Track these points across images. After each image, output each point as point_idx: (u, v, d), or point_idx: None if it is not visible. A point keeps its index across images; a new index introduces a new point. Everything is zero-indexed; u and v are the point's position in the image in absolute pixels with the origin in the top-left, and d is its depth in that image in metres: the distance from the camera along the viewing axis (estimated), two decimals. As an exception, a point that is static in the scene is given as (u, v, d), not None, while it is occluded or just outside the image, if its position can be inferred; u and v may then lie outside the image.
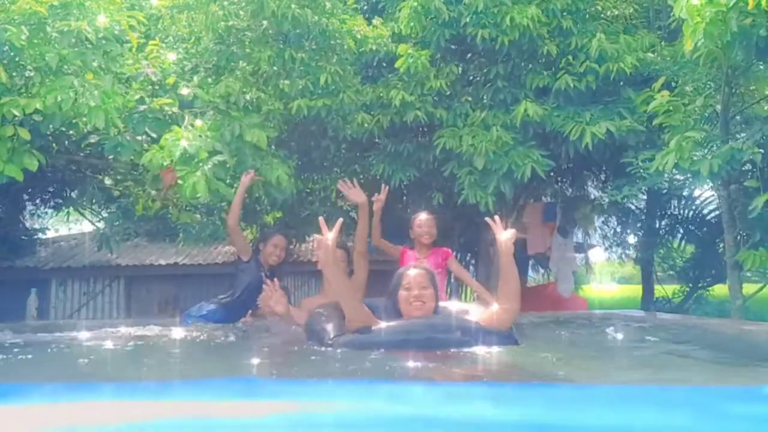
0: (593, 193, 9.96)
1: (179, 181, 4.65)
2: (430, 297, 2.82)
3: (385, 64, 6.84)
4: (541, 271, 13.16)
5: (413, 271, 2.90)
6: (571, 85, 6.08)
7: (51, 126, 4.56)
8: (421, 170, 6.83)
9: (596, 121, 5.96)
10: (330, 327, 2.76)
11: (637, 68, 6.09)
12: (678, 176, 7.53)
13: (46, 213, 9.62)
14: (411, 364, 2.36)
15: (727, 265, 5.65)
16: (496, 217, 3.15)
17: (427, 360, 2.39)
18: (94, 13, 4.63)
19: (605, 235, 13.18)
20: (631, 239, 12.29)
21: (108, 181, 7.13)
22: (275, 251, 4.43)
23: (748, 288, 6.03)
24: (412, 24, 6.44)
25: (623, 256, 13.18)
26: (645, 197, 10.21)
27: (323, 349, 2.63)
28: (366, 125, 6.31)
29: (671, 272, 12.21)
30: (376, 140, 6.83)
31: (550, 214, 9.43)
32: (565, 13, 6.42)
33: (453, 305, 3.15)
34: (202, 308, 4.48)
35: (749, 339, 3.20)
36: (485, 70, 6.68)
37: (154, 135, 5.02)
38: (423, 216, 4.55)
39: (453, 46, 6.76)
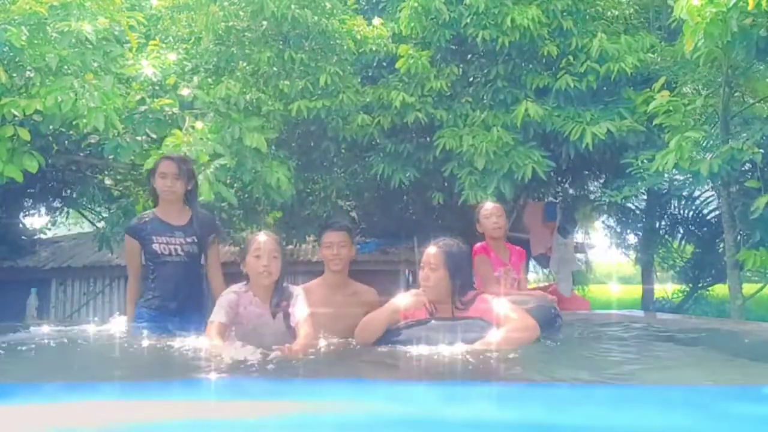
0: (593, 193, 9.96)
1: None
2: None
3: (385, 65, 6.84)
4: (542, 271, 13.16)
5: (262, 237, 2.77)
6: (572, 86, 6.08)
7: (51, 126, 4.56)
8: (421, 170, 6.83)
9: (596, 122, 5.96)
10: None
11: (638, 68, 6.09)
12: (678, 176, 7.53)
13: (47, 213, 9.63)
14: (410, 363, 2.36)
15: (727, 265, 5.65)
16: None
17: (426, 359, 2.39)
18: (94, 14, 4.63)
19: (605, 235, 13.19)
20: (631, 239, 12.28)
21: (108, 181, 7.14)
22: (166, 181, 3.31)
23: (748, 288, 6.04)
24: (412, 24, 6.44)
25: (623, 256, 13.18)
26: (645, 197, 10.20)
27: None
28: (366, 126, 6.31)
29: (671, 272, 12.20)
30: (376, 141, 6.83)
31: (550, 214, 9.44)
32: (565, 14, 6.42)
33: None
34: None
35: (749, 339, 3.20)
36: (486, 71, 6.69)
37: (154, 136, 5.02)
38: (489, 205, 3.81)
39: (453, 47, 6.76)
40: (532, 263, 11.78)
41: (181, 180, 3.32)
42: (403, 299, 2.68)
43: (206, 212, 3.68)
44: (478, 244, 3.74)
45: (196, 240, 3.37)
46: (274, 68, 5.86)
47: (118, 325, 3.31)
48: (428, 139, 6.72)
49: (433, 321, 2.59)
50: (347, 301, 3.18)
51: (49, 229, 10.45)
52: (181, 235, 3.34)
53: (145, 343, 2.83)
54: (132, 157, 4.98)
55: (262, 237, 2.77)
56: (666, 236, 11.32)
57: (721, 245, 7.96)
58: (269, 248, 2.72)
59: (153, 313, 3.34)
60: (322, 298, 3.02)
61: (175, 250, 3.33)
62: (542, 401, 1.23)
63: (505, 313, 2.50)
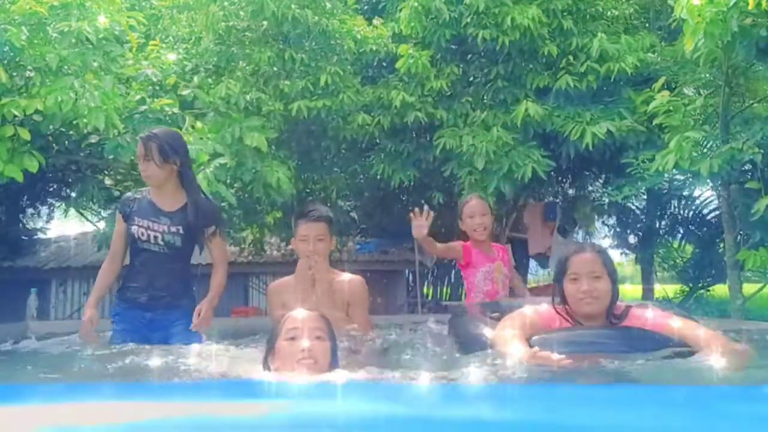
0: (593, 193, 9.96)
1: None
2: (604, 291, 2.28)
3: (385, 65, 6.85)
4: (541, 271, 13.15)
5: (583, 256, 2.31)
6: (572, 85, 6.09)
7: (51, 126, 4.56)
8: (421, 170, 6.84)
9: (597, 121, 5.97)
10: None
11: (638, 68, 6.10)
12: (678, 176, 7.53)
13: (47, 213, 9.62)
14: (412, 364, 2.36)
15: (727, 265, 5.64)
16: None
17: (428, 360, 2.39)
18: (94, 14, 4.63)
19: (605, 235, 13.18)
20: (631, 239, 12.28)
21: (108, 181, 7.13)
22: (140, 165, 3.00)
23: (748, 288, 6.03)
24: (412, 24, 6.45)
25: (623, 255, 13.16)
26: (645, 197, 10.20)
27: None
28: (366, 126, 6.32)
29: (671, 272, 12.19)
30: (376, 140, 6.84)
31: (550, 214, 9.43)
32: (565, 14, 6.43)
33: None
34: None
35: (749, 339, 3.20)
36: (486, 71, 6.69)
37: (154, 135, 5.02)
38: (473, 202, 3.49)
39: (453, 47, 6.76)
40: (532, 263, 11.79)
41: (151, 161, 2.89)
42: (535, 312, 2.38)
43: (207, 200, 3.25)
44: (459, 243, 3.53)
45: (182, 231, 2.94)
46: (275, 68, 5.86)
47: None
48: (428, 139, 6.72)
49: (598, 329, 2.28)
50: (330, 295, 2.83)
51: (49, 229, 10.44)
52: (167, 221, 2.94)
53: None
54: (132, 157, 4.98)
55: (300, 313, 2.00)
56: (666, 236, 11.32)
57: (721, 245, 7.96)
58: (311, 326, 1.93)
59: (123, 306, 3.05)
60: (299, 298, 2.66)
61: (155, 237, 2.94)
62: (542, 401, 1.23)
63: (708, 335, 2.19)
